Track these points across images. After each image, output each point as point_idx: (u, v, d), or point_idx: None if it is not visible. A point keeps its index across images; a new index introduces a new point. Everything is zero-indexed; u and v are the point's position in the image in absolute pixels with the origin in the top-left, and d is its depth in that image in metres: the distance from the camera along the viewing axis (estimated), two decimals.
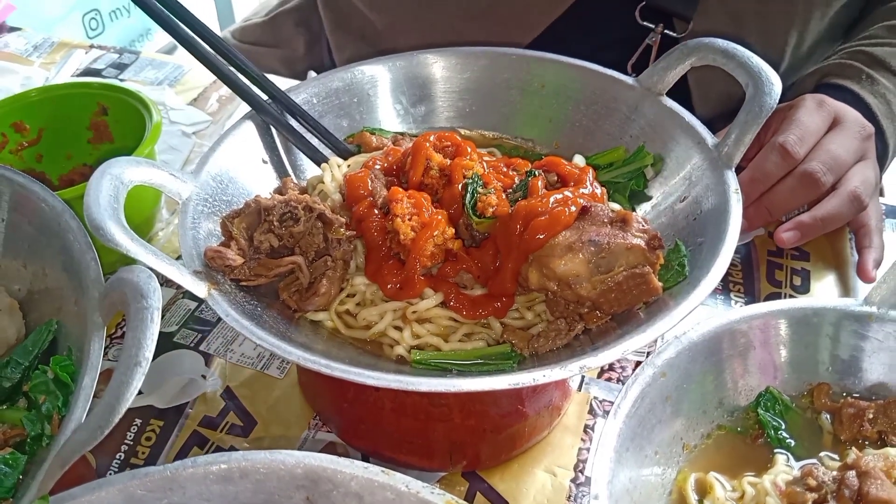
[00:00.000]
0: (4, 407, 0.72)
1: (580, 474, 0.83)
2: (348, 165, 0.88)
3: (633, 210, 0.86)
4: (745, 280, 1.04)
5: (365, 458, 0.83)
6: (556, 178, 0.81)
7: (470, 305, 0.76)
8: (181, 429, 0.87)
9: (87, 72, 1.46)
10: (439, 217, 0.76)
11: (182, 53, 0.87)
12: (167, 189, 0.76)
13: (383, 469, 0.57)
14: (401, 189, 0.79)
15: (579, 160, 0.90)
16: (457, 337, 0.75)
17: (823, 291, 1.03)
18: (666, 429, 0.71)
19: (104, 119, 1.12)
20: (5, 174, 0.78)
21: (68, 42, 1.54)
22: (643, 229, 0.73)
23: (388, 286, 0.76)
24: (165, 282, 0.68)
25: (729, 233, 0.72)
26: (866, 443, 0.73)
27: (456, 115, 0.98)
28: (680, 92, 0.89)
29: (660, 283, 0.72)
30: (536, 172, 0.80)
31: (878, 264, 1.01)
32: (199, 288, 0.69)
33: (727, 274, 1.03)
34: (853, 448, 0.71)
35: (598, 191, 0.80)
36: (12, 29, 1.59)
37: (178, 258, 0.69)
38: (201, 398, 0.90)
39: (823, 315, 0.75)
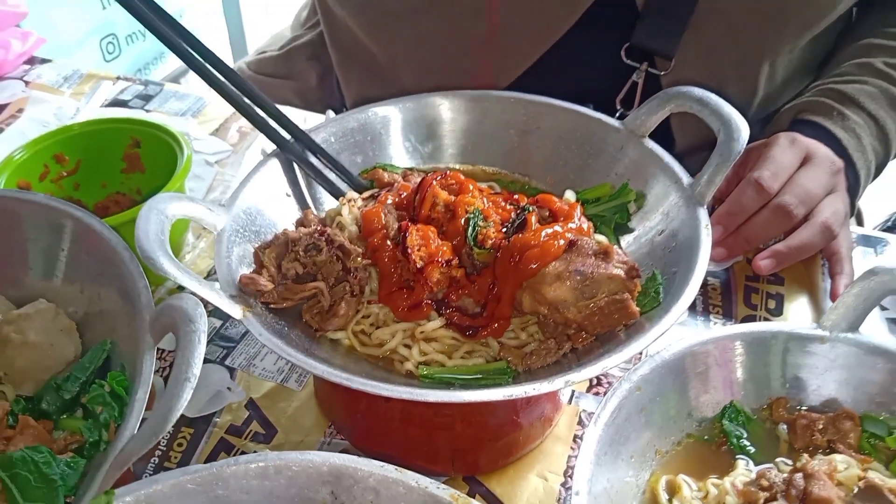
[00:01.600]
0: (65, 416, 0.76)
1: (569, 479, 0.85)
2: (363, 199, 0.92)
3: (618, 241, 0.91)
4: (724, 303, 1.09)
5: None
6: (547, 213, 0.84)
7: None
8: (209, 436, 0.91)
9: (115, 102, 1.52)
10: (444, 248, 0.80)
11: (201, 84, 0.88)
12: (204, 221, 0.80)
13: (396, 468, 0.62)
14: (410, 223, 0.82)
15: (570, 195, 0.94)
16: (459, 354, 0.79)
17: (796, 314, 1.06)
18: (640, 436, 0.74)
19: (137, 151, 1.16)
20: (67, 210, 0.82)
21: (96, 74, 1.60)
22: (623, 261, 0.78)
23: (399, 309, 0.80)
24: None
25: (698, 264, 0.77)
26: (819, 450, 0.76)
27: (459, 153, 1.02)
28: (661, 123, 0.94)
29: (637, 308, 0.75)
30: (530, 208, 0.83)
31: None
32: (235, 310, 0.74)
33: (707, 297, 1.10)
34: (805, 455, 0.75)
35: (585, 225, 0.83)
36: (44, 61, 1.64)
37: (206, 277, 0.74)
38: (227, 408, 0.94)
39: (779, 337, 0.79)
